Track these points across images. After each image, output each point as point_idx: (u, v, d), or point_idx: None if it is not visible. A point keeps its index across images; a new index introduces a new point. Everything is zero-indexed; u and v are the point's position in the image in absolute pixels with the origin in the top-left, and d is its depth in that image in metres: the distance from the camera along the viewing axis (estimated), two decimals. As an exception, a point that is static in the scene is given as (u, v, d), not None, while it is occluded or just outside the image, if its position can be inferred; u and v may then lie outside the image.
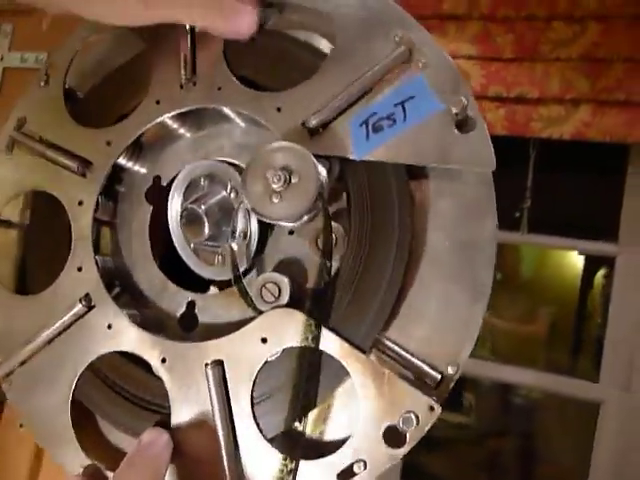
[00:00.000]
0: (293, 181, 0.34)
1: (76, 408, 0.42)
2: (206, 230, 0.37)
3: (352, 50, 0.37)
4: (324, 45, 0.40)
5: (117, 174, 0.47)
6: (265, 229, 0.40)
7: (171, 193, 0.41)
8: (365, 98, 0.35)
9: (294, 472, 0.34)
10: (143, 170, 0.48)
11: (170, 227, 0.41)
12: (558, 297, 2.32)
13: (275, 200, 0.34)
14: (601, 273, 2.55)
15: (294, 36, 0.41)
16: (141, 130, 0.43)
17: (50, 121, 0.47)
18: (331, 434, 0.37)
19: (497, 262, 0.35)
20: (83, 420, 0.44)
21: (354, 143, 0.35)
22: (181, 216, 0.40)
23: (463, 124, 0.32)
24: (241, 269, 0.38)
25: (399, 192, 0.35)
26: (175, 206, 0.41)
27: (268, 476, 0.35)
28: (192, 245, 0.40)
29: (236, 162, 0.44)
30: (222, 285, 0.43)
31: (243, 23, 0.37)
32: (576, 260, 2.57)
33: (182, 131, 0.46)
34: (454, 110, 0.32)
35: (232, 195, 0.39)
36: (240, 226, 0.38)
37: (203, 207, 0.38)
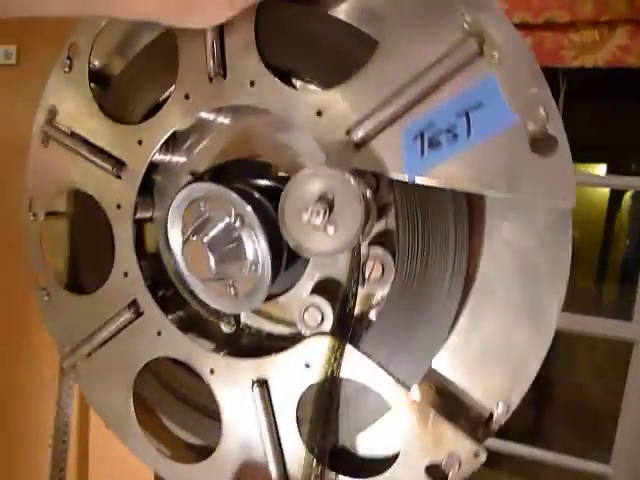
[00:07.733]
0: (335, 210, 0.30)
1: (139, 403, 0.45)
2: (212, 267, 0.33)
3: (407, 38, 0.30)
4: (372, 29, 0.33)
5: (153, 167, 0.44)
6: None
7: (169, 220, 0.37)
8: (422, 103, 0.30)
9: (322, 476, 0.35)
10: (182, 160, 0.46)
11: (175, 257, 0.38)
12: (584, 221, 2.25)
13: (319, 236, 0.30)
14: (629, 194, 2.49)
15: (335, 16, 0.35)
16: (172, 129, 0.40)
17: (79, 112, 0.45)
18: (375, 451, 0.38)
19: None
20: (147, 413, 0.47)
21: (406, 159, 0.30)
22: (183, 248, 0.36)
23: (540, 143, 0.27)
24: (259, 301, 0.35)
25: (455, 213, 0.31)
26: (175, 236, 0.37)
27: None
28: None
29: (269, 161, 0.41)
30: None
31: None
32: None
33: (220, 120, 0.43)
34: (531, 126, 0.27)
35: (237, 223, 0.34)
36: (250, 257, 0.34)
37: (206, 240, 0.33)
